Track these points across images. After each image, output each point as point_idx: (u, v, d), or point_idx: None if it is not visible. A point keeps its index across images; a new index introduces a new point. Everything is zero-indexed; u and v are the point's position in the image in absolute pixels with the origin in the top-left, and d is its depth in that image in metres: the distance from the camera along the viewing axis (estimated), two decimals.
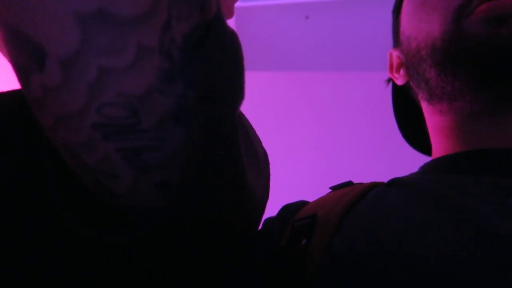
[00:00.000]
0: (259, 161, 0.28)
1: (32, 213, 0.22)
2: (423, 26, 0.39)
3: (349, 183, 0.39)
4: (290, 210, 0.37)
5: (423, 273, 0.25)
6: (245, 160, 0.24)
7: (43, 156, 0.22)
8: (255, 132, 0.29)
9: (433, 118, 0.42)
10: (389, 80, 0.52)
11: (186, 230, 0.23)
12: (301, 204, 0.38)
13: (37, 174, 0.22)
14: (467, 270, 0.24)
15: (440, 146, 0.42)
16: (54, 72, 0.18)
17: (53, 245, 0.22)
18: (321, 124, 1.62)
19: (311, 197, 0.44)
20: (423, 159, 0.51)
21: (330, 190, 0.40)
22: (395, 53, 0.47)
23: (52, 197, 0.21)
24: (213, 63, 0.20)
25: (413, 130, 0.52)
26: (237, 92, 0.22)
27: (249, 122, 0.29)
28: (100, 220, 0.22)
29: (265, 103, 1.61)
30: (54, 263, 0.22)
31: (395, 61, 0.47)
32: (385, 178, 0.39)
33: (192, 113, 0.20)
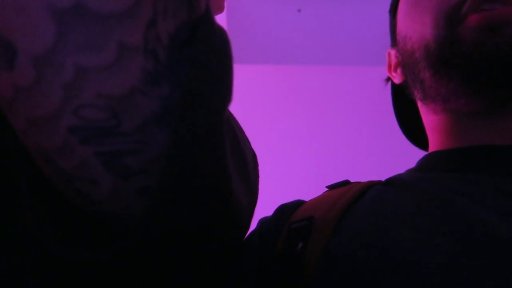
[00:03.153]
0: (247, 164, 0.27)
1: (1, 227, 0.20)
2: (417, 27, 0.39)
3: (346, 182, 0.39)
4: (286, 211, 0.36)
5: (421, 278, 0.25)
6: (232, 165, 0.23)
7: (16, 162, 0.20)
8: (243, 132, 0.28)
9: (429, 117, 0.43)
10: (388, 79, 0.52)
11: (169, 239, 0.22)
12: (297, 204, 0.37)
13: (8, 182, 0.20)
14: (466, 275, 0.24)
15: (436, 143, 0.42)
16: (26, 71, 0.17)
17: (25, 262, 0.20)
18: (313, 119, 1.62)
19: (305, 194, 0.43)
20: (418, 154, 0.51)
21: (326, 189, 0.39)
22: (393, 52, 0.47)
23: (25, 209, 0.20)
24: (200, 64, 0.19)
25: (413, 128, 0.52)
26: (224, 95, 0.20)
27: (237, 122, 0.28)
28: (76, 233, 0.21)
29: (256, 97, 1.60)
30: (25, 281, 0.20)
31: (393, 60, 0.47)
32: (380, 173, 0.38)
33: (175, 117, 0.19)
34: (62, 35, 0.16)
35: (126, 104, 0.18)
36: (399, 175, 0.38)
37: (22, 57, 0.16)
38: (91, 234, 0.21)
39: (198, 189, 0.20)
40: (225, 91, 0.20)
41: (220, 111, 0.20)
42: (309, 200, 0.38)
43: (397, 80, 0.47)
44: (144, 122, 0.19)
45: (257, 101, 1.59)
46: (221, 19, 1.44)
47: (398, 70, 0.46)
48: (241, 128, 0.29)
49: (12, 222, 0.20)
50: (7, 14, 0.16)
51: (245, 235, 0.31)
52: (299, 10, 1.57)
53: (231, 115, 0.26)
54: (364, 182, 0.37)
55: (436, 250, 0.26)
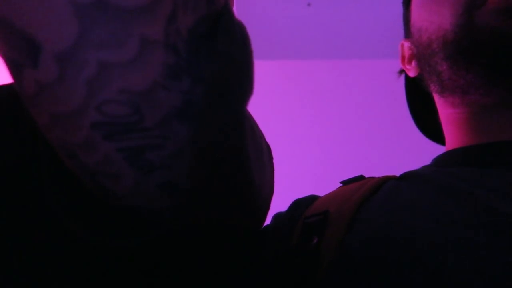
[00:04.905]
0: (263, 155, 0.27)
1: (28, 214, 0.21)
2: (434, 17, 0.39)
3: (360, 177, 0.38)
4: (300, 206, 0.36)
5: (438, 270, 0.25)
6: (251, 155, 0.23)
7: (40, 153, 0.21)
8: (257, 125, 0.28)
9: (446, 111, 0.42)
10: (401, 71, 0.51)
11: (193, 231, 0.22)
12: (312, 199, 0.37)
13: (34, 172, 0.21)
14: (486, 268, 0.24)
15: (453, 139, 0.41)
16: (49, 68, 0.17)
17: (51, 247, 0.21)
18: (323, 114, 1.61)
19: (319, 190, 0.42)
20: (433, 148, 0.50)
21: (340, 184, 0.39)
22: (407, 44, 0.46)
23: (50, 196, 0.20)
24: (224, 57, 0.19)
25: (427, 121, 0.51)
26: (247, 87, 0.21)
27: (251, 115, 0.28)
28: (104, 221, 0.21)
29: (266, 93, 1.59)
30: (53, 266, 0.21)
31: (407, 53, 0.46)
32: (394, 168, 0.38)
33: (200, 110, 0.19)
34: (84, 31, 0.16)
35: (148, 99, 0.18)
36: (415, 170, 0.38)
37: (46, 53, 0.16)
38: (113, 226, 0.21)
39: (223, 180, 0.21)
40: (247, 82, 0.21)
41: (243, 102, 0.20)
42: (323, 195, 0.38)
43: (411, 73, 0.46)
44: (166, 116, 0.19)
45: (266, 97, 1.59)
46: None
47: (413, 63, 0.45)
48: (255, 121, 0.29)
49: (38, 209, 0.20)
50: (30, 11, 0.16)
51: (261, 227, 0.31)
52: (308, 4, 1.56)
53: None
54: (378, 177, 0.37)
55: (458, 243, 0.25)
